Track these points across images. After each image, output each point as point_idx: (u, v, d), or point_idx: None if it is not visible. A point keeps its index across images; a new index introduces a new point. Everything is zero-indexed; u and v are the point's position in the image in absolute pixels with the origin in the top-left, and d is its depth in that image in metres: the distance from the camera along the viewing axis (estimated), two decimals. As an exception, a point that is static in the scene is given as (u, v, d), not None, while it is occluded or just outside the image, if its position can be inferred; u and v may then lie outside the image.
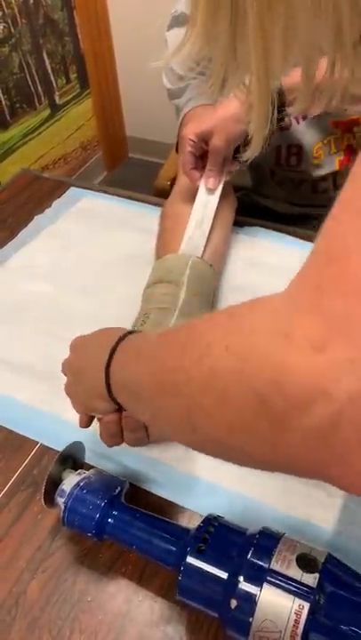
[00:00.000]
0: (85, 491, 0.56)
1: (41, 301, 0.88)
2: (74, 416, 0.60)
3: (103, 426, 0.58)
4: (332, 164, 0.97)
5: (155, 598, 0.56)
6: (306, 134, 0.94)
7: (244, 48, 0.42)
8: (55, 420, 0.71)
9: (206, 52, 0.45)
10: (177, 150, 0.93)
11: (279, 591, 0.44)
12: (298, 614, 0.43)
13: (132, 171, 2.77)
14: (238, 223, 0.96)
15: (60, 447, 0.60)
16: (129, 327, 0.74)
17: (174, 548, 0.52)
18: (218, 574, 0.48)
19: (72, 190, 1.11)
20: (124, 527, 0.56)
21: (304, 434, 0.29)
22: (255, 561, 0.46)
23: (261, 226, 0.99)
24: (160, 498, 0.63)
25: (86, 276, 0.93)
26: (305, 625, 0.43)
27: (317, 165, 0.97)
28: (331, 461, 0.29)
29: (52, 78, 2.28)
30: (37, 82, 2.20)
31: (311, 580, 0.44)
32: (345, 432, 0.27)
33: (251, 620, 0.44)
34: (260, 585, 0.45)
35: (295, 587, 0.44)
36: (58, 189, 1.12)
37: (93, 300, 0.88)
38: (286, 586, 0.44)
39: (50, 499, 0.57)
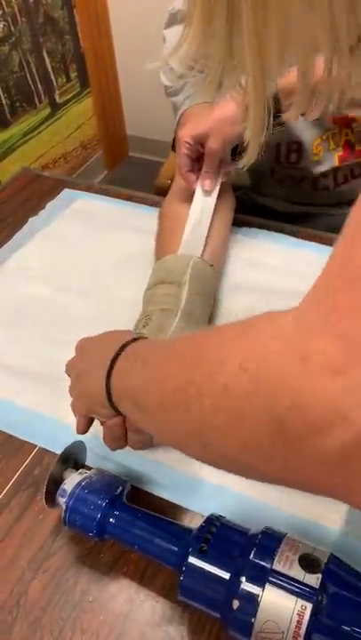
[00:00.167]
0: (87, 490, 0.56)
1: (38, 304, 0.88)
2: (74, 419, 0.60)
3: (107, 429, 0.57)
4: (331, 160, 0.97)
5: (156, 598, 0.56)
6: (305, 131, 0.94)
7: (240, 46, 0.42)
8: (55, 423, 0.71)
9: (204, 50, 0.45)
10: (173, 149, 0.93)
11: (281, 592, 0.44)
12: (300, 615, 0.43)
13: (133, 169, 2.77)
14: (238, 222, 0.96)
15: (59, 451, 0.60)
16: (130, 328, 0.74)
17: (176, 548, 0.52)
18: (220, 575, 0.48)
19: (65, 192, 1.11)
20: (126, 527, 0.55)
21: (321, 456, 0.29)
22: (257, 561, 0.46)
23: (261, 224, 0.99)
24: (161, 498, 0.63)
25: (83, 277, 0.92)
26: (308, 626, 0.42)
27: (317, 162, 0.97)
28: (347, 483, 0.29)
29: (53, 77, 2.28)
30: (37, 80, 2.20)
31: (314, 580, 0.44)
32: None
33: (253, 620, 0.44)
34: (262, 585, 0.45)
35: (298, 587, 0.44)
36: (58, 188, 1.12)
37: (91, 302, 0.87)
38: (289, 586, 0.44)
39: (51, 498, 0.57)
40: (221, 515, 0.53)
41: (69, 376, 0.60)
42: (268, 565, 0.45)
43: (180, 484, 0.64)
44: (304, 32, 0.40)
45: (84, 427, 0.59)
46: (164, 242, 0.86)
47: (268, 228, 0.98)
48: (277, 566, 0.45)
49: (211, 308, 0.80)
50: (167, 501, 0.63)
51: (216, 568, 0.48)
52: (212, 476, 0.64)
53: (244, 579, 0.45)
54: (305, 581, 0.44)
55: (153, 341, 0.59)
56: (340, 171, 0.99)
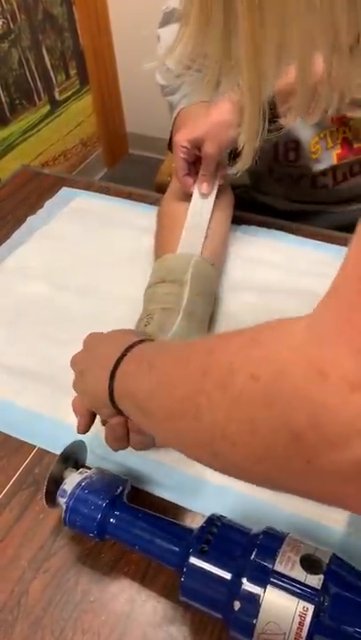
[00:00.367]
0: (87, 491, 0.56)
1: (37, 303, 0.88)
2: (75, 420, 0.60)
3: (109, 429, 0.57)
4: (330, 158, 0.97)
5: (158, 598, 0.56)
6: (302, 129, 0.94)
7: (238, 47, 0.42)
8: (56, 424, 0.70)
9: (201, 50, 0.44)
10: (169, 147, 0.92)
11: (283, 593, 0.44)
12: (302, 617, 0.42)
13: (133, 167, 2.76)
14: (238, 219, 0.96)
15: (60, 451, 0.59)
16: (131, 327, 0.73)
17: (177, 549, 0.52)
18: (221, 575, 0.47)
19: (64, 190, 1.10)
20: (126, 527, 0.55)
21: (335, 469, 0.29)
22: (258, 562, 0.46)
23: (261, 222, 0.98)
24: (162, 498, 0.63)
25: (82, 276, 0.92)
26: (309, 627, 0.42)
27: (316, 160, 0.97)
28: (359, 495, 0.29)
29: (52, 74, 2.28)
30: (37, 78, 2.19)
31: (315, 581, 0.44)
32: None
33: (254, 621, 0.44)
34: (263, 587, 0.44)
35: (299, 589, 0.44)
36: (58, 186, 1.12)
37: (90, 301, 0.87)
38: (290, 588, 0.44)
39: (51, 498, 0.57)
40: (222, 514, 0.53)
41: (74, 370, 0.60)
42: (270, 566, 0.45)
43: (180, 483, 0.64)
44: (302, 32, 0.39)
45: (86, 426, 0.59)
46: (164, 240, 0.85)
47: (269, 226, 0.98)
48: (279, 567, 0.45)
49: (212, 307, 0.80)
50: (168, 501, 0.63)
51: (217, 569, 0.48)
52: (213, 475, 0.63)
53: (245, 580, 0.45)
54: (307, 582, 0.44)
55: (160, 344, 0.59)
56: (339, 169, 0.99)
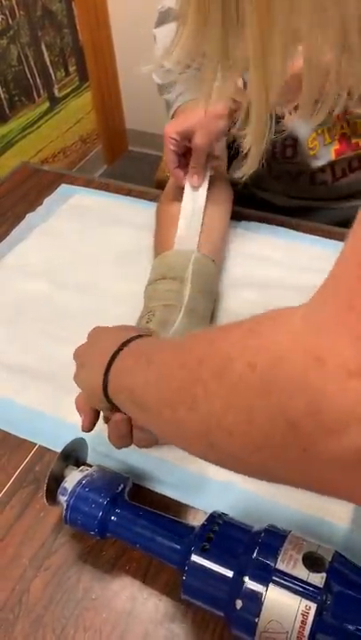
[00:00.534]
0: (88, 489, 0.56)
1: (37, 300, 0.87)
2: (76, 418, 0.59)
3: (112, 426, 0.57)
4: (328, 154, 0.97)
5: (159, 596, 0.56)
6: (300, 126, 0.93)
7: (236, 46, 0.41)
8: (57, 422, 0.70)
9: (199, 50, 0.44)
10: None
11: (285, 592, 0.44)
12: (305, 615, 0.42)
13: (133, 163, 2.76)
14: (238, 215, 0.95)
15: (60, 449, 0.59)
16: (131, 324, 0.73)
17: (178, 547, 0.52)
18: (223, 573, 0.47)
19: (62, 187, 1.10)
20: (128, 525, 0.55)
21: (334, 458, 0.28)
22: (260, 560, 0.46)
23: (262, 218, 0.98)
24: (163, 495, 0.63)
25: (82, 273, 0.92)
26: (312, 626, 0.42)
27: (314, 156, 0.97)
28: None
29: (51, 71, 2.27)
30: (36, 74, 2.19)
31: (318, 579, 0.44)
32: None
33: (256, 620, 0.44)
34: (265, 585, 0.44)
35: (302, 587, 0.43)
36: (58, 182, 1.11)
37: (90, 298, 0.87)
38: (292, 586, 0.44)
39: (52, 496, 0.56)
40: (224, 512, 0.53)
41: (76, 362, 0.59)
42: (272, 564, 0.45)
43: (182, 480, 0.64)
44: (312, 31, 0.39)
45: (90, 425, 0.59)
46: (162, 237, 0.85)
47: (269, 222, 0.97)
48: (281, 565, 0.45)
49: (213, 303, 0.80)
50: (169, 498, 0.62)
51: (219, 567, 0.47)
52: (215, 473, 0.63)
53: (247, 578, 0.45)
54: (309, 581, 0.44)
55: (158, 339, 0.59)
56: (337, 164, 0.98)
